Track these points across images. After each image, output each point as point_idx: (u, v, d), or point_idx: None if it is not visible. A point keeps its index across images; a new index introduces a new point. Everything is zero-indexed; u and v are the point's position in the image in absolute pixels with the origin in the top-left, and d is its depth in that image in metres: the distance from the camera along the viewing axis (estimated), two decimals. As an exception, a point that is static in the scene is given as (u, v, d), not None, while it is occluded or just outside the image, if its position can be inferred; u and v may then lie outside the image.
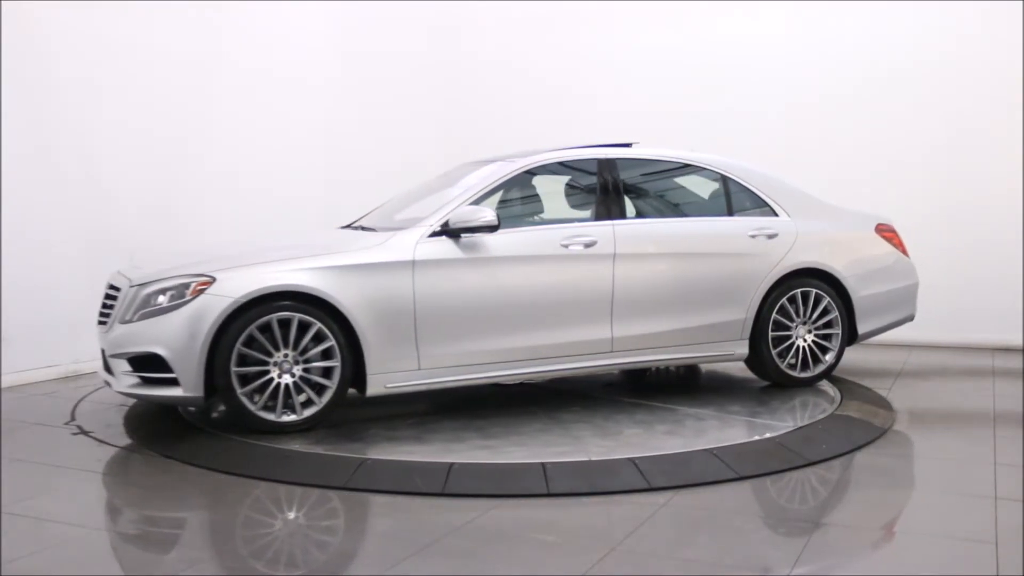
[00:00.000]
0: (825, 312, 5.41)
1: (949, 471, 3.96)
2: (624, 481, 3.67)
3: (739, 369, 5.68)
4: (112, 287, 4.63)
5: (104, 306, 4.62)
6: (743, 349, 5.28)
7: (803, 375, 5.37)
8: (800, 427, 4.48)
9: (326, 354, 4.31)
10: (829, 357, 5.43)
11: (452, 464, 3.83)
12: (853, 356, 6.80)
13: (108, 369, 4.52)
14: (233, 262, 4.39)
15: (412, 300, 4.46)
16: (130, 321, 4.31)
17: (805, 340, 5.39)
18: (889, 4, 7.40)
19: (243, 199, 7.34)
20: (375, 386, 4.44)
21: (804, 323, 5.37)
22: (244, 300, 4.19)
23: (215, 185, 7.20)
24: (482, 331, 4.63)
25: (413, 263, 4.48)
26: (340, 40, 8.40)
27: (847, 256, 5.55)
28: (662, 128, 8.03)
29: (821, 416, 4.66)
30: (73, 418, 4.95)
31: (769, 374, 5.36)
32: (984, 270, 7.12)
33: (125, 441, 4.45)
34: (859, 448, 4.19)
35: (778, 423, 4.57)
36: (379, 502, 3.51)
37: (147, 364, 4.26)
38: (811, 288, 5.37)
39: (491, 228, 4.58)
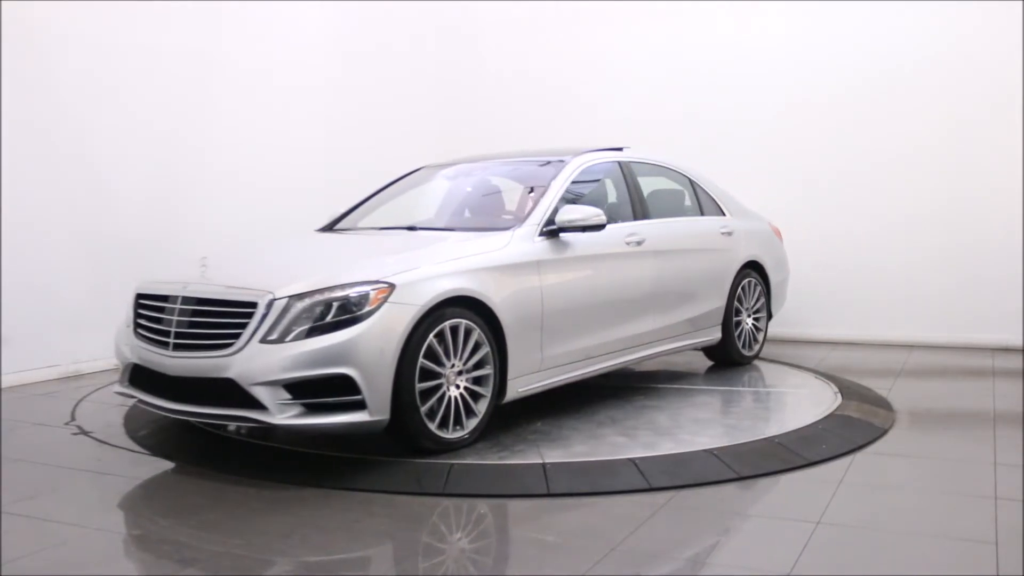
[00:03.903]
0: (759, 298, 6.29)
1: (949, 471, 3.96)
2: (624, 481, 3.67)
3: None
4: (201, 301, 3.91)
5: (193, 325, 3.89)
6: (718, 334, 5.95)
7: (750, 353, 6.28)
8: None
9: (477, 362, 4.10)
10: (760, 336, 6.38)
11: (452, 464, 3.83)
12: (853, 356, 6.83)
13: (213, 400, 3.79)
14: (393, 267, 3.92)
15: (541, 300, 4.40)
16: (280, 340, 3.67)
17: (747, 323, 6.21)
18: (889, 4, 7.40)
19: (243, 198, 7.34)
20: (512, 391, 4.29)
21: (746, 309, 6.16)
22: (428, 307, 3.84)
23: (216, 185, 7.20)
24: (587, 327, 4.74)
25: (539, 263, 4.45)
26: (340, 40, 8.40)
27: (767, 250, 6.41)
28: (661, 129, 8.06)
29: (821, 416, 4.66)
30: (73, 418, 4.95)
31: (730, 355, 6.11)
32: (984, 270, 7.12)
33: (125, 441, 4.45)
34: (859, 448, 4.19)
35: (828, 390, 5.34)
36: (379, 502, 3.51)
37: (318, 388, 3.65)
38: (752, 278, 6.20)
39: (600, 227, 4.67)
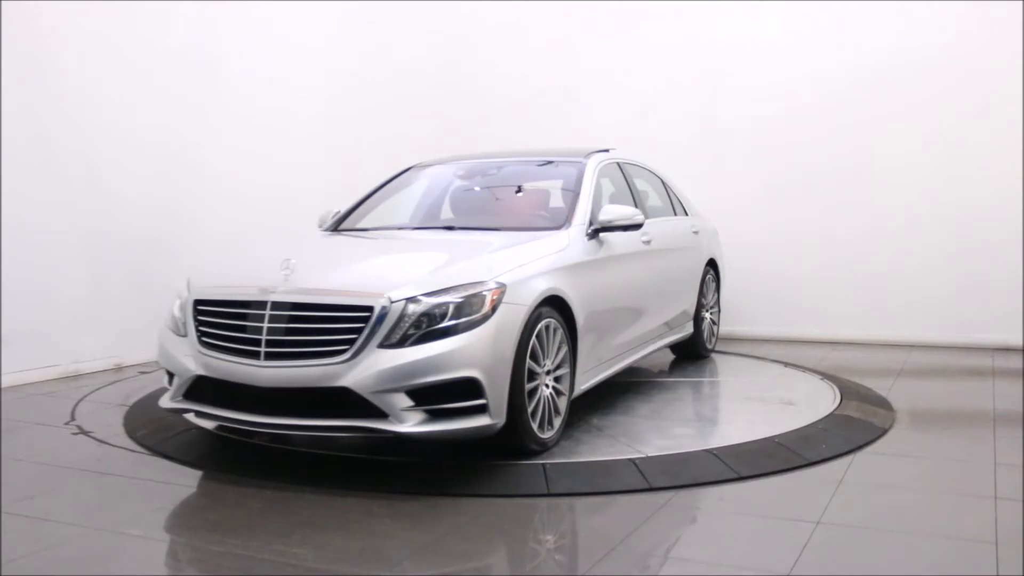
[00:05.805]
0: (713, 294, 6.62)
1: (949, 471, 3.96)
2: (624, 481, 3.67)
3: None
4: (298, 306, 3.64)
5: (291, 332, 3.63)
6: (691, 328, 6.17)
7: (711, 347, 6.61)
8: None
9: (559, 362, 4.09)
10: (716, 331, 6.73)
11: (452, 465, 3.82)
12: (853, 356, 6.83)
13: (320, 411, 3.59)
14: (497, 267, 3.83)
15: (598, 299, 4.46)
16: (399, 345, 3.51)
17: (707, 318, 6.50)
18: (888, 4, 7.39)
19: (244, 198, 7.35)
20: (576, 388, 4.27)
21: (706, 305, 6.43)
22: (533, 307, 3.78)
23: (216, 185, 7.21)
24: (623, 324, 4.87)
25: (591, 262, 4.51)
26: (340, 40, 8.41)
27: (718, 248, 6.72)
28: (659, 129, 8.06)
29: (821, 416, 4.66)
30: (73, 418, 4.95)
31: (696, 348, 6.37)
32: (984, 270, 7.13)
33: (125, 441, 4.45)
34: (859, 448, 4.19)
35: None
36: (378, 502, 3.51)
37: (441, 393, 3.52)
38: (711, 275, 6.50)
39: (639, 226, 4.77)
